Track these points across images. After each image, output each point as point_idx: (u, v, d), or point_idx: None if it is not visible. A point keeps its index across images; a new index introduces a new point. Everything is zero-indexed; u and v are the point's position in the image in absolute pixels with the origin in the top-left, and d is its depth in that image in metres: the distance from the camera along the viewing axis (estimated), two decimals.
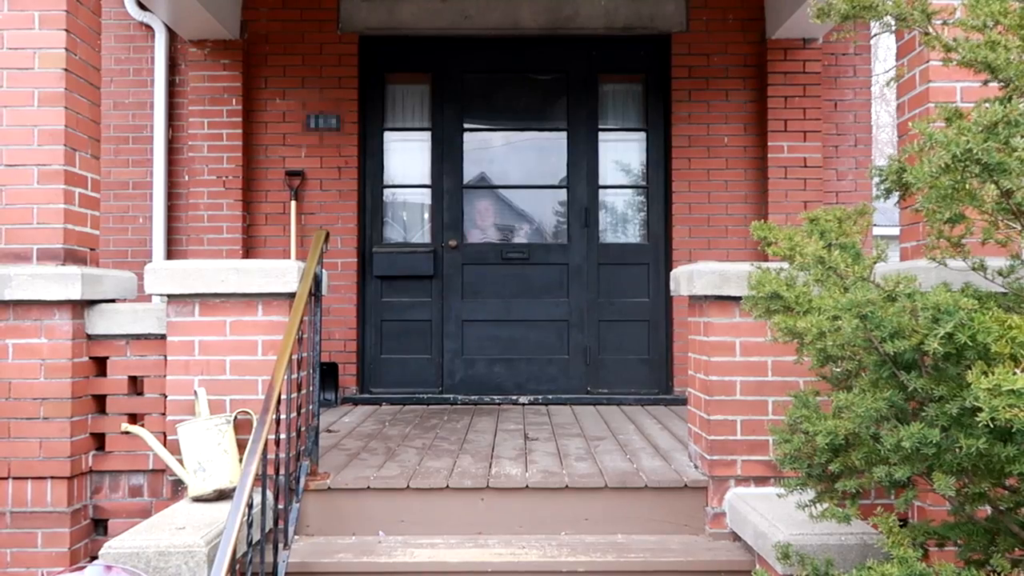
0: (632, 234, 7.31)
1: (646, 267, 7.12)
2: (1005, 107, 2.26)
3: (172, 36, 7.23)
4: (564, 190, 7.04)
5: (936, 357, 2.36)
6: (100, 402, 4.28)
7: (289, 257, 6.87)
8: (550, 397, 6.76)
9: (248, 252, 7.05)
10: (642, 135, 7.28)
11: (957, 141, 2.27)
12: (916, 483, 2.61)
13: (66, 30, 4.18)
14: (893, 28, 3.13)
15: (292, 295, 4.01)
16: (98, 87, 4.55)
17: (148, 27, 7.25)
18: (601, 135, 7.21)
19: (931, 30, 2.66)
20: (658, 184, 7.17)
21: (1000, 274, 2.82)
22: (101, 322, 4.22)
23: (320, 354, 4.46)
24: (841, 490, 2.71)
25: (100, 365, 4.27)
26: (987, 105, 2.30)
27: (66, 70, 4.19)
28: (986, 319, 2.14)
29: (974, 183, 2.42)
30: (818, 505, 2.88)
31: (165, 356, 4.12)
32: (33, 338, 4.08)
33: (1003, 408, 1.89)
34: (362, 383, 7.09)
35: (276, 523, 3.69)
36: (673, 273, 4.43)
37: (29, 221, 4.15)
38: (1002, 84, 2.47)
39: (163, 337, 4.15)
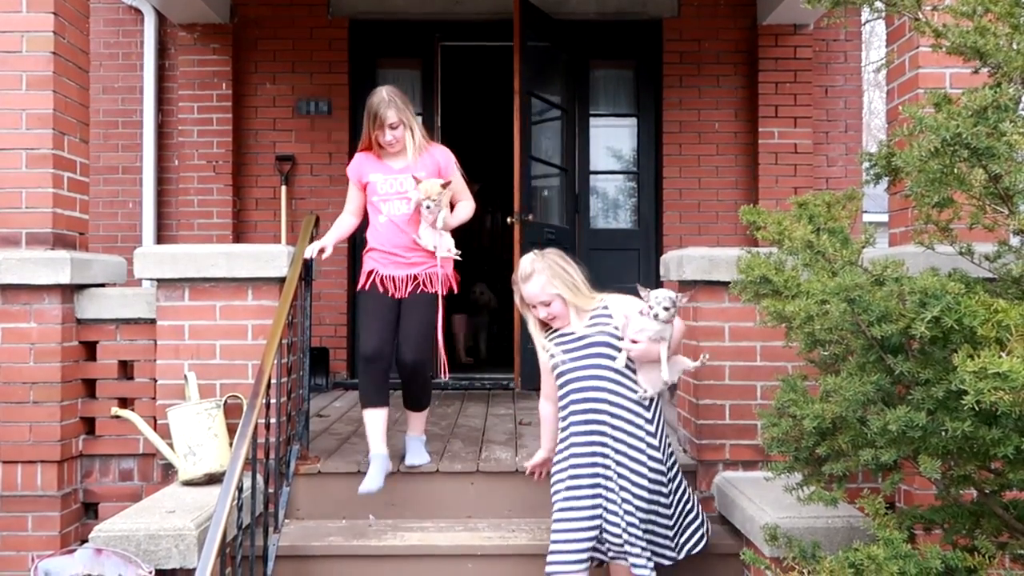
0: (623, 220, 7.32)
1: (636, 253, 7.12)
2: (995, 92, 2.27)
3: (161, 20, 7.19)
4: (556, 175, 7.02)
5: (923, 341, 2.38)
6: (90, 386, 4.28)
7: (280, 242, 6.85)
8: None
9: (238, 237, 7.04)
10: (633, 121, 7.29)
11: (947, 126, 2.27)
12: (902, 466, 2.62)
13: (54, 13, 4.15)
14: (883, 13, 3.13)
15: (282, 280, 4.01)
16: (87, 71, 4.52)
17: (137, 11, 7.21)
18: (592, 120, 7.21)
19: (921, 16, 2.66)
20: (649, 170, 7.18)
21: (987, 259, 2.84)
22: (91, 306, 4.21)
23: (310, 339, 4.47)
24: (828, 473, 2.73)
25: (90, 349, 4.27)
26: (977, 90, 2.31)
27: (54, 53, 4.16)
28: (972, 303, 2.16)
29: (963, 167, 2.43)
30: (805, 488, 2.90)
31: (155, 340, 4.11)
32: (22, 322, 4.07)
33: (988, 391, 1.91)
34: (353, 368, 7.08)
35: (266, 507, 3.70)
36: (663, 258, 4.44)
37: (18, 205, 4.13)
38: (991, 70, 2.48)
39: (153, 321, 4.14)
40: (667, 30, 7.11)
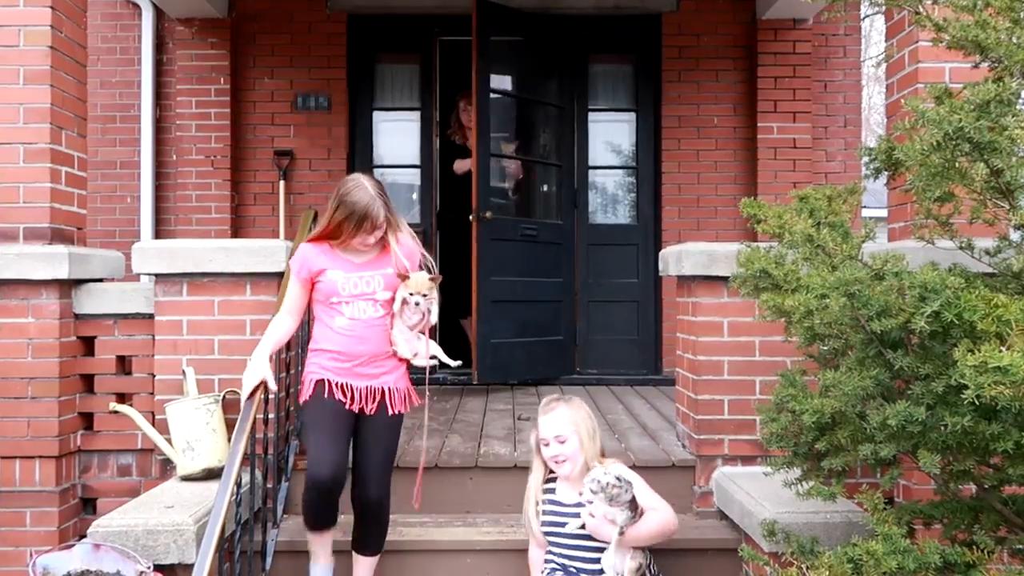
0: (622, 215, 7.30)
1: (635, 248, 7.11)
2: (998, 86, 2.26)
3: (159, 14, 7.16)
4: (554, 171, 7.00)
5: (922, 336, 2.38)
6: (88, 382, 4.27)
7: (278, 237, 6.84)
8: (521, 378, 6.60)
9: (237, 232, 7.02)
10: (632, 116, 7.26)
11: (949, 119, 2.27)
12: (902, 461, 2.62)
13: (51, 7, 4.14)
14: (882, 5, 3.13)
15: (280, 274, 4.00)
16: (84, 65, 4.51)
17: (135, 5, 7.19)
18: (591, 115, 7.18)
19: (922, 10, 2.65)
20: (648, 165, 7.16)
21: (987, 253, 2.83)
22: (89, 302, 4.20)
23: (310, 334, 4.45)
24: (827, 468, 2.73)
25: (88, 345, 4.26)
26: (979, 84, 2.30)
27: (52, 48, 4.15)
28: (972, 298, 2.15)
29: (964, 162, 2.43)
30: (804, 483, 2.90)
31: (153, 335, 4.10)
32: (20, 318, 4.06)
33: (988, 385, 1.90)
34: None
35: (265, 502, 3.70)
36: (662, 253, 4.43)
37: (15, 200, 4.12)
38: (992, 64, 2.47)
39: (151, 317, 4.13)
40: (666, 24, 7.09)
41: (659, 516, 3.29)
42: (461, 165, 6.78)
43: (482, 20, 6.11)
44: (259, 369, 3.35)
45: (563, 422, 3.39)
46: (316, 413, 3.43)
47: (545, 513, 3.42)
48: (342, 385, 3.40)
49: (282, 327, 3.52)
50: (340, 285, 3.40)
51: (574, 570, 3.33)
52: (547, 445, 3.40)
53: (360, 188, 3.38)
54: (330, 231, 3.41)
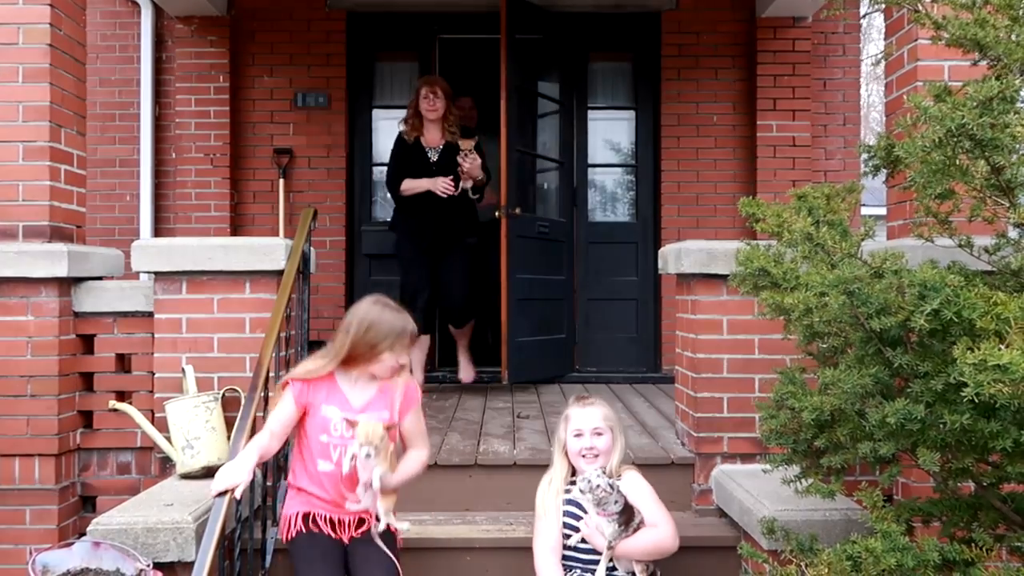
0: (621, 213, 7.31)
1: (635, 246, 7.11)
2: (1002, 83, 2.26)
3: (158, 12, 7.16)
4: (555, 169, 7.00)
5: (922, 333, 2.38)
6: (87, 380, 4.27)
7: (277, 235, 6.83)
8: (538, 376, 6.68)
9: (236, 230, 7.02)
10: (631, 114, 7.27)
11: (952, 116, 2.27)
12: (900, 459, 2.62)
13: (51, 5, 4.14)
14: (881, 3, 3.13)
15: (280, 273, 4.00)
16: (83, 63, 4.51)
17: (134, 3, 7.18)
18: (590, 113, 7.19)
19: (921, 8, 2.66)
20: (647, 163, 7.16)
21: (987, 251, 2.83)
22: (88, 300, 4.20)
23: (309, 332, 4.46)
24: (826, 466, 2.73)
25: (87, 343, 4.26)
26: (983, 81, 2.30)
27: (51, 46, 4.15)
28: (972, 295, 2.16)
29: (964, 159, 2.43)
30: (803, 481, 2.90)
31: (152, 334, 4.10)
32: (19, 315, 4.06)
33: (988, 383, 1.90)
34: None
35: (264, 500, 3.69)
36: (661, 251, 4.43)
37: (14, 198, 4.12)
38: (991, 62, 2.47)
39: (150, 315, 4.13)
40: (665, 22, 7.09)
41: (656, 534, 3.28)
42: (412, 185, 5.91)
43: (511, 18, 6.11)
44: (240, 472, 3.05)
45: (601, 417, 3.44)
46: (306, 546, 3.19)
47: (565, 515, 3.39)
48: (330, 518, 3.22)
49: (264, 448, 3.21)
50: (333, 425, 3.17)
51: (581, 571, 3.33)
52: (580, 436, 3.38)
53: (387, 307, 3.22)
54: (338, 358, 3.17)
